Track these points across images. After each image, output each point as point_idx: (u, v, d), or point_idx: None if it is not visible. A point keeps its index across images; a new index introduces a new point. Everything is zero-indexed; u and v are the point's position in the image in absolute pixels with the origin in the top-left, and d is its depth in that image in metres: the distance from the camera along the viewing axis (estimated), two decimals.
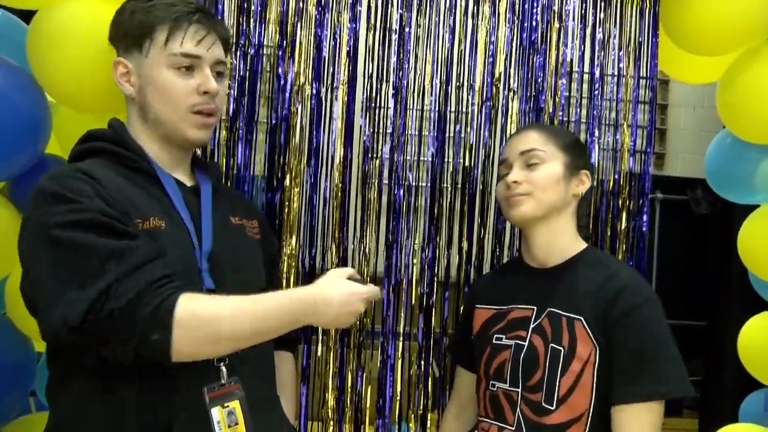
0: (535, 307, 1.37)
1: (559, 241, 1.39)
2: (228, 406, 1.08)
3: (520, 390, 1.33)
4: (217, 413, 1.07)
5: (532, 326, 1.35)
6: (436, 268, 1.86)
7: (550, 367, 1.29)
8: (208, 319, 1.02)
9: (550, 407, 1.28)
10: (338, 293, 1.10)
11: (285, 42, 1.78)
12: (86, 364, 1.06)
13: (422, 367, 1.85)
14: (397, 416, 1.84)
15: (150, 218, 1.09)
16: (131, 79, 1.18)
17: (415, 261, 1.85)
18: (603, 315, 1.28)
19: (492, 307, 1.46)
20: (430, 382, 1.85)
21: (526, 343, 1.34)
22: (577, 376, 1.28)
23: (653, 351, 1.25)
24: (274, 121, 1.79)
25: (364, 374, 1.85)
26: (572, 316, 1.31)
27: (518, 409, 1.32)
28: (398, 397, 1.84)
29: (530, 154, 1.37)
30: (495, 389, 1.38)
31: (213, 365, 1.10)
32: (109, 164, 1.14)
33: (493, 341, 1.40)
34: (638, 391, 1.24)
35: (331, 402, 1.82)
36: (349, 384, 1.84)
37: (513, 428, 1.33)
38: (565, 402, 1.28)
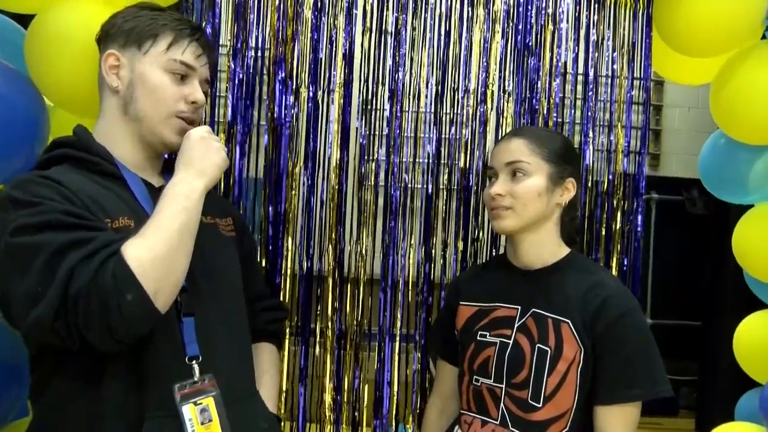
0: (519, 307, 1.40)
1: (543, 248, 1.42)
2: (201, 404, 1.09)
3: (504, 386, 1.36)
4: (188, 411, 1.07)
5: (516, 325, 1.38)
6: (433, 269, 1.87)
7: (536, 366, 1.33)
8: (152, 250, 1.01)
9: (536, 404, 1.32)
10: (190, 143, 1.15)
11: (281, 45, 1.80)
12: (64, 368, 1.08)
13: (419, 367, 1.85)
14: (394, 417, 1.85)
15: (119, 218, 1.11)
16: (120, 72, 1.21)
17: (411, 262, 1.86)
18: (591, 321, 1.32)
19: (475, 303, 1.48)
20: (427, 383, 1.86)
21: (511, 342, 1.37)
22: (563, 375, 1.32)
23: (639, 356, 1.31)
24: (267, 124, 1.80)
25: (362, 375, 1.86)
26: (559, 318, 1.34)
27: (502, 404, 1.36)
28: (395, 398, 1.85)
29: (515, 166, 1.38)
30: (479, 384, 1.40)
31: (185, 364, 1.11)
32: (75, 170, 1.16)
33: (477, 338, 1.43)
34: (626, 393, 1.31)
35: (328, 403, 1.83)
36: (347, 385, 1.85)
37: (497, 422, 1.36)
38: (551, 400, 1.32)
